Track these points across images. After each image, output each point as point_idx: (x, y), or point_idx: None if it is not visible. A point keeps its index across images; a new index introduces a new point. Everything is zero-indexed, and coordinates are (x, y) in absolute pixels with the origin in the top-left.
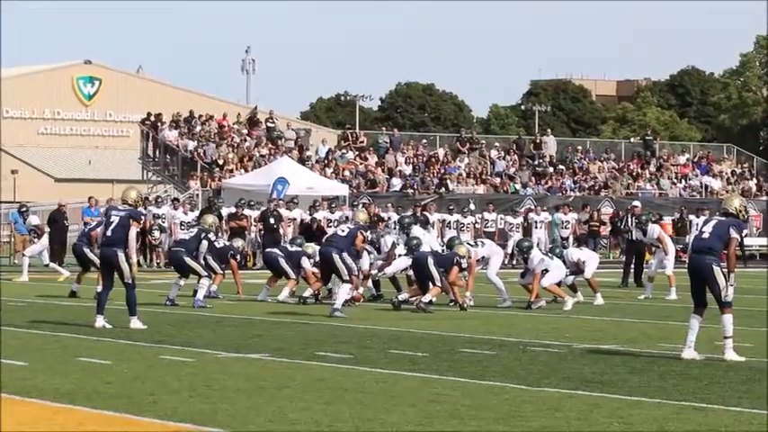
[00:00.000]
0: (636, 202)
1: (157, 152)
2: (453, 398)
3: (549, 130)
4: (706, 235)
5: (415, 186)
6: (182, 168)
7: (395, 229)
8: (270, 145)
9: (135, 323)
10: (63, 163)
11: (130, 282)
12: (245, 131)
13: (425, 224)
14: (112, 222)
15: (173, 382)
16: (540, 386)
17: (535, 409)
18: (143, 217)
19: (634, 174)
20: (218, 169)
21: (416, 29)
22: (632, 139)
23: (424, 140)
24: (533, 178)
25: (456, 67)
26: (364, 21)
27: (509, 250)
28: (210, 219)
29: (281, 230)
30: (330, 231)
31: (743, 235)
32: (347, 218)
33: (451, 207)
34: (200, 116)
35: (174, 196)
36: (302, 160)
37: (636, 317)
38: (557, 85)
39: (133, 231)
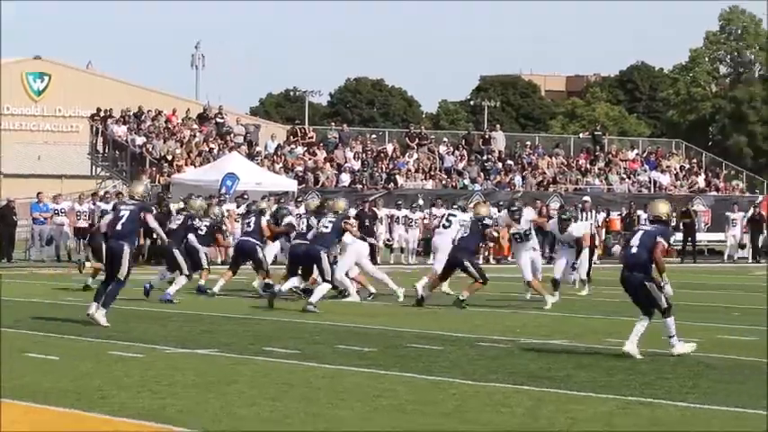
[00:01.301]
0: (586, 198)
1: (107, 148)
2: (400, 393)
3: (498, 126)
4: (634, 249)
5: (364, 182)
6: (131, 164)
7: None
8: (219, 140)
9: (102, 317)
10: (12, 158)
11: (122, 279)
12: (194, 127)
13: (373, 219)
14: (122, 217)
15: (122, 378)
16: (487, 381)
17: (481, 404)
18: (154, 209)
19: (583, 169)
20: (167, 165)
21: (366, 25)
22: (581, 135)
23: (373, 136)
24: (482, 174)
25: (405, 62)
26: (313, 17)
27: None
28: (198, 203)
29: (227, 226)
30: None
31: (670, 241)
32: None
33: (400, 202)
34: (150, 111)
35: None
36: (251, 156)
37: (583, 312)
38: (506, 80)
39: (153, 222)
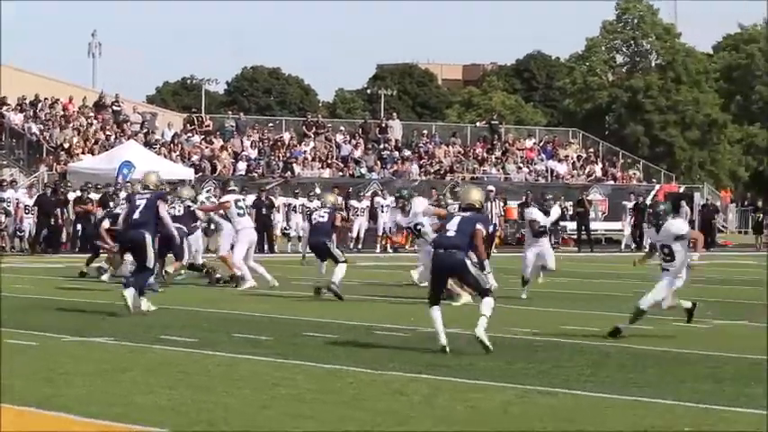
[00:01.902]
0: (491, 187)
1: (3, 136)
2: (297, 381)
3: (394, 115)
4: (451, 233)
5: (261, 170)
6: (27, 152)
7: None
8: (116, 129)
9: (145, 304)
10: None
11: (151, 266)
12: (90, 115)
13: (270, 207)
14: (138, 206)
15: (16, 367)
16: (385, 369)
17: (379, 392)
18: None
19: (480, 158)
20: (64, 153)
21: (263, 13)
22: (478, 124)
23: (270, 124)
24: (379, 162)
25: (302, 51)
26: (210, 4)
27: (353, 234)
28: (186, 192)
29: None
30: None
31: (488, 228)
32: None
33: (297, 191)
34: (46, 99)
35: (16, 180)
36: (148, 144)
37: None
38: (403, 69)
39: (164, 212)
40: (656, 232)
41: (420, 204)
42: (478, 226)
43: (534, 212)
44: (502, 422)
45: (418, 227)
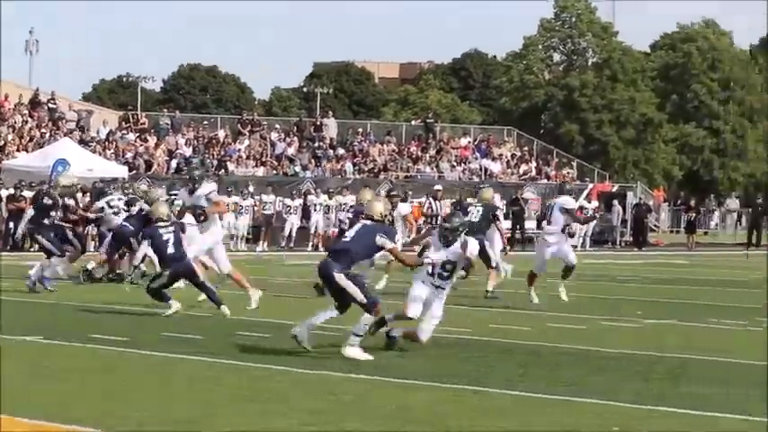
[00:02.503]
0: (438, 186)
1: None
2: (232, 381)
3: (330, 113)
4: (348, 238)
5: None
6: None
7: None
8: (51, 126)
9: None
10: None
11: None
12: (26, 113)
13: None
14: (168, 240)
15: None
16: (318, 369)
17: (311, 391)
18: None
19: (414, 156)
20: None
21: (199, 11)
22: (413, 122)
23: (206, 122)
24: (313, 161)
25: (239, 49)
26: (146, 2)
27: (286, 233)
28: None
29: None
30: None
31: (395, 240)
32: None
33: (230, 189)
34: None
35: None
36: (83, 142)
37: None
38: (339, 67)
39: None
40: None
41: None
42: (379, 239)
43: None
44: (433, 421)
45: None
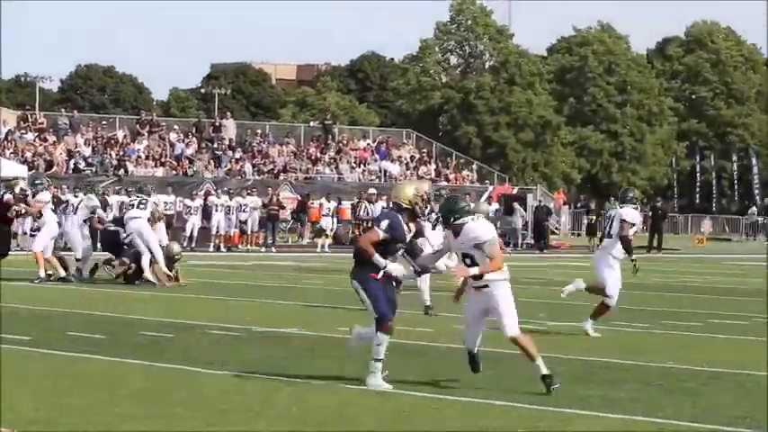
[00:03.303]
0: (372, 190)
1: None
2: (133, 381)
3: (228, 114)
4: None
5: (95, 168)
6: None
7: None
8: None
9: None
10: None
11: None
12: None
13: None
14: None
15: None
16: (220, 369)
17: (215, 392)
18: None
19: (313, 158)
20: None
21: (96, 10)
22: (312, 123)
23: (104, 122)
24: (213, 161)
25: (136, 49)
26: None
27: (187, 233)
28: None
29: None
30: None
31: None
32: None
33: (130, 189)
34: None
35: None
36: None
37: (317, 300)
38: (237, 68)
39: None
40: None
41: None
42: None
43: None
44: (337, 423)
45: None
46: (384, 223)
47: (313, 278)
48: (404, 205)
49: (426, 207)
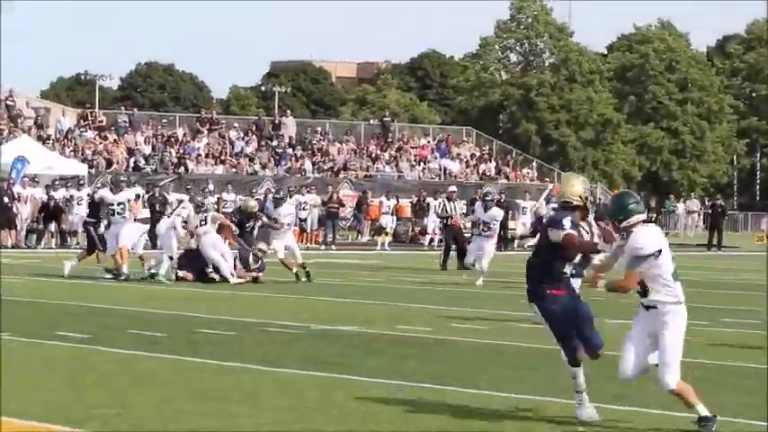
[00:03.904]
0: (452, 188)
1: None
2: (193, 378)
3: (288, 112)
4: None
5: (155, 166)
6: None
7: None
8: (9, 123)
9: None
10: None
11: None
12: None
13: (163, 204)
14: None
15: None
16: (279, 366)
17: (274, 389)
18: None
19: (373, 156)
20: None
21: (156, 8)
22: (371, 122)
23: (164, 120)
24: (272, 159)
25: (196, 47)
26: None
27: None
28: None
29: (16, 209)
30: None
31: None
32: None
33: (189, 187)
34: None
35: None
36: (42, 139)
37: (376, 298)
38: (297, 66)
39: None
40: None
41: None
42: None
43: None
44: (396, 421)
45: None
46: (567, 221)
47: (372, 276)
48: (574, 202)
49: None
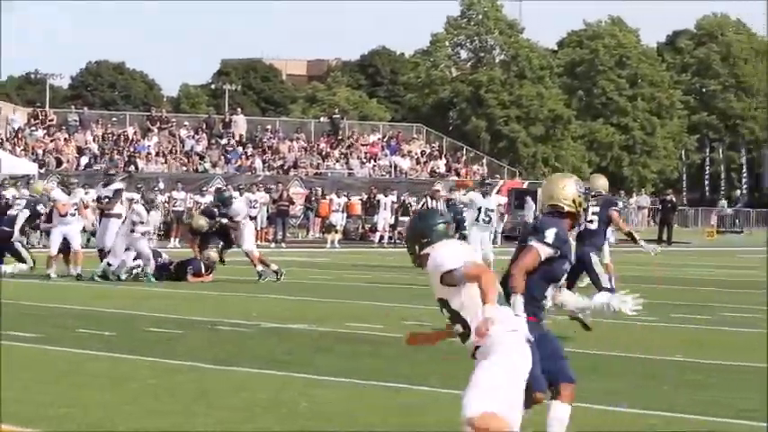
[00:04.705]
0: (437, 186)
1: None
2: (144, 378)
3: (239, 110)
4: None
5: (105, 165)
6: None
7: None
8: None
9: None
10: None
11: None
12: None
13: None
14: None
15: None
16: (230, 365)
17: (224, 389)
18: None
19: (323, 153)
20: None
21: (107, 7)
22: (321, 119)
23: (114, 119)
24: (223, 157)
25: (147, 46)
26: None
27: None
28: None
29: None
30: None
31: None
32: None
33: (140, 186)
34: None
35: None
36: None
37: (326, 296)
38: (247, 64)
39: None
40: None
41: None
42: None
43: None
44: (345, 419)
45: None
46: (551, 233)
47: (323, 273)
48: (566, 208)
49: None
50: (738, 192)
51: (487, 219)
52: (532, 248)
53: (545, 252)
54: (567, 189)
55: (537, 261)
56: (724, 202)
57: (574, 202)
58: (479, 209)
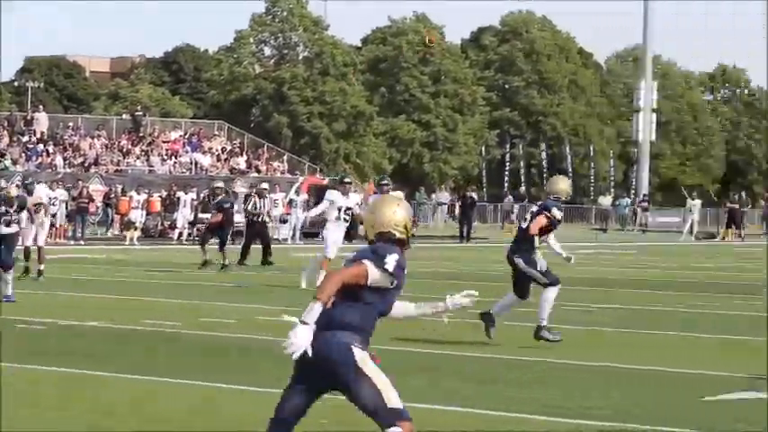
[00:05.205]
0: (264, 184)
1: None
2: None
3: (41, 107)
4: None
5: None
6: None
7: None
8: None
9: None
10: None
11: None
12: None
13: None
14: None
15: None
16: (25, 363)
17: (21, 387)
18: None
19: (124, 150)
20: None
21: None
22: (123, 116)
23: None
24: (24, 155)
25: None
26: None
27: None
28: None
29: None
30: None
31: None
32: None
33: None
34: None
35: None
36: None
37: (124, 293)
38: (51, 61)
39: None
40: None
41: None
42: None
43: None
44: (139, 415)
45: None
46: (391, 260)
47: (121, 271)
48: (397, 235)
49: None
50: (523, 188)
51: (347, 217)
52: (363, 265)
53: (375, 277)
54: (398, 214)
55: (360, 280)
56: (511, 198)
57: (405, 227)
58: (339, 208)
